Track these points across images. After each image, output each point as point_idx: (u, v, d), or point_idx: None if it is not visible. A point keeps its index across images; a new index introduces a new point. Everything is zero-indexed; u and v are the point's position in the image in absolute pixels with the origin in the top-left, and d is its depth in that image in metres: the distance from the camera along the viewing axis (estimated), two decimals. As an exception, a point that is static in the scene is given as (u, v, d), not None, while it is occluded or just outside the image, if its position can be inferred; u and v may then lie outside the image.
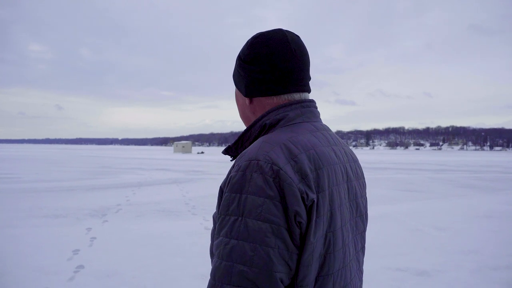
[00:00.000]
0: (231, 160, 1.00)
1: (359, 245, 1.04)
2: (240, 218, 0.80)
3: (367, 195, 1.13)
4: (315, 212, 0.83)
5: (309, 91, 1.04)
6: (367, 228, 1.13)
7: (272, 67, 0.96)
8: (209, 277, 0.83)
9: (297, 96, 1.00)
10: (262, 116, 0.97)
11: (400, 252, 5.53)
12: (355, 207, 1.01)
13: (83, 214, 8.16)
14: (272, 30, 1.02)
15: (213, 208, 9.82)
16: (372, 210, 8.94)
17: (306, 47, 1.03)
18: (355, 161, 1.08)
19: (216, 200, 0.90)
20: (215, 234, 0.87)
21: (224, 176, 0.91)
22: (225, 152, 1.02)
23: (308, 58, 1.03)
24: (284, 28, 1.05)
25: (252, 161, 0.83)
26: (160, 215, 8.23)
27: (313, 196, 0.83)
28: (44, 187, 13.28)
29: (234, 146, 1.01)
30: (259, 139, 0.92)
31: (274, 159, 0.82)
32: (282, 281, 0.80)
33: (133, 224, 7.24)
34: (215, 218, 0.90)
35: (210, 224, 7.21)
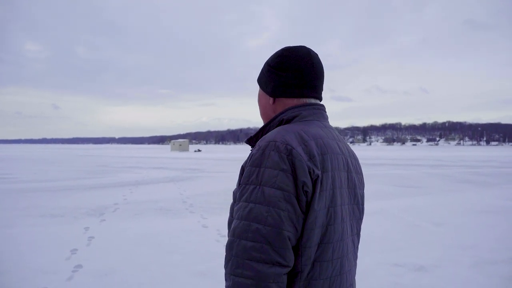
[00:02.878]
0: (251, 150, 1.15)
1: (355, 230, 1.20)
2: (258, 187, 0.99)
3: (365, 190, 1.31)
4: (319, 185, 1.01)
5: (321, 99, 1.26)
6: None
7: (297, 75, 1.18)
8: (229, 237, 1.01)
9: (312, 100, 1.21)
10: (281, 113, 1.18)
11: (398, 247, 5.55)
12: (353, 196, 1.18)
13: (80, 214, 8.14)
14: (298, 46, 1.24)
15: (210, 206, 9.86)
16: (370, 206, 8.97)
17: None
18: (355, 158, 1.26)
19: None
20: (236, 200, 1.07)
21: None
22: (248, 141, 1.22)
23: (323, 73, 1.25)
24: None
25: (271, 142, 1.02)
26: (158, 213, 8.23)
27: (318, 172, 1.01)
28: (41, 187, 13.24)
29: (255, 137, 1.20)
30: (276, 128, 1.10)
31: (288, 141, 1.01)
32: (290, 240, 0.97)
33: (131, 223, 7.23)
34: (236, 193, 1.09)
35: (207, 222, 7.22)
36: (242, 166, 1.08)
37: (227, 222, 1.15)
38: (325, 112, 1.24)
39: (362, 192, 1.25)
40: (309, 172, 0.99)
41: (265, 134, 1.15)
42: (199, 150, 77.77)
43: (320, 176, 1.01)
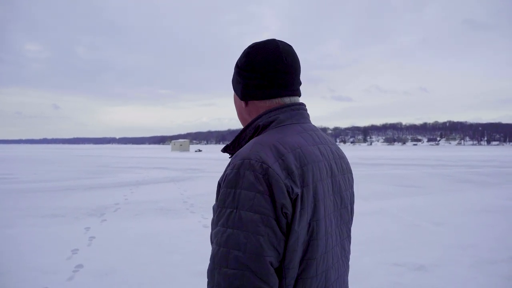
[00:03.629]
0: (229, 158, 1.09)
1: (344, 234, 1.14)
2: (235, 211, 0.92)
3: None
4: (299, 204, 0.94)
5: (299, 95, 1.17)
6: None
7: (265, 74, 1.09)
8: (209, 262, 0.95)
9: (287, 100, 1.12)
10: (256, 119, 1.09)
11: (398, 247, 5.55)
12: (340, 200, 1.12)
13: (81, 214, 8.16)
14: (266, 40, 1.14)
15: (211, 207, 9.91)
16: (370, 206, 8.99)
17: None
18: (341, 157, 1.18)
19: (215, 195, 1.02)
20: (213, 220, 0.99)
21: (222, 173, 1.01)
22: (224, 150, 1.15)
23: (299, 65, 1.15)
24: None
25: (245, 160, 0.94)
26: (158, 213, 8.24)
27: (297, 190, 0.94)
28: (42, 187, 13.26)
29: (232, 145, 1.13)
30: (251, 140, 1.03)
31: (263, 158, 0.93)
32: (272, 264, 0.92)
33: (132, 223, 7.25)
34: (215, 208, 1.01)
35: (208, 222, 7.22)
36: (218, 182, 1.01)
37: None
38: (305, 110, 1.16)
39: (349, 192, 1.18)
40: (288, 192, 0.92)
41: (242, 142, 1.10)
42: (199, 150, 77.83)
43: (299, 193, 0.94)
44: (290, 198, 0.92)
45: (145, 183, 14.50)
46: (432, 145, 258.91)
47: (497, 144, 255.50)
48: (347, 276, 1.17)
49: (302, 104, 1.16)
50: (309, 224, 0.97)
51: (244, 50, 1.15)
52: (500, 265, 4.74)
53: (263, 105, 1.12)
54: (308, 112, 1.19)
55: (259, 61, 1.09)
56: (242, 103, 1.16)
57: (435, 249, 5.45)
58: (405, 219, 7.48)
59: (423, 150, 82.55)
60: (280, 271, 0.95)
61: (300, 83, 1.17)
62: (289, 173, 0.94)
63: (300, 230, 0.95)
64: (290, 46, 1.15)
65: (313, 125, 1.16)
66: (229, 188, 0.94)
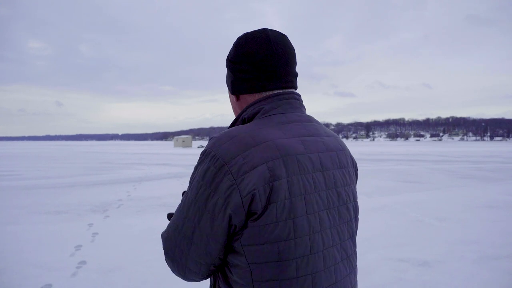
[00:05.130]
0: None
1: (345, 234, 1.04)
2: (188, 191, 0.97)
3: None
4: (262, 200, 0.88)
5: (293, 87, 1.08)
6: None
7: (254, 66, 1.02)
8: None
9: (278, 92, 1.04)
10: (242, 111, 1.04)
11: (401, 243, 5.54)
12: (336, 196, 1.01)
13: (84, 210, 8.17)
14: (256, 30, 1.07)
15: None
16: (373, 202, 8.97)
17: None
18: (339, 150, 1.07)
19: None
20: None
21: None
22: None
23: (293, 56, 1.07)
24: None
25: (208, 149, 0.94)
26: (161, 209, 8.24)
27: (257, 186, 0.87)
28: (45, 184, 13.29)
29: None
30: (228, 129, 0.99)
31: (223, 152, 0.91)
32: (200, 260, 0.95)
33: (135, 219, 7.25)
34: None
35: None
36: None
37: None
38: (296, 99, 1.07)
39: (349, 188, 1.06)
40: (239, 190, 0.87)
41: None
42: (202, 146, 77.80)
43: (263, 190, 0.87)
44: (242, 197, 0.87)
45: (148, 179, 14.51)
46: (435, 140, 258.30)
47: (500, 140, 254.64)
48: (352, 281, 1.06)
49: (293, 93, 1.07)
50: (284, 221, 0.89)
51: (234, 42, 1.09)
52: (504, 261, 4.72)
53: (251, 99, 1.06)
54: (302, 101, 1.10)
55: (248, 52, 1.03)
56: (234, 97, 1.11)
57: (439, 245, 5.43)
58: (409, 215, 7.46)
59: (426, 146, 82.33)
60: (242, 269, 0.92)
61: (294, 75, 1.09)
62: (251, 168, 0.88)
63: (265, 228, 0.88)
64: (283, 36, 1.07)
65: (305, 116, 1.07)
66: (194, 169, 0.98)
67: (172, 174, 16.84)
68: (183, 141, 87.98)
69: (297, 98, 1.08)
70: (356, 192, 1.12)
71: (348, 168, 1.09)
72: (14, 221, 7.12)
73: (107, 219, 7.26)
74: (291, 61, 1.06)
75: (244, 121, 1.03)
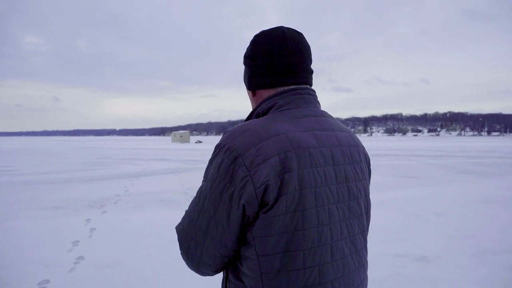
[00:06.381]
0: None
1: (355, 229, 1.05)
2: (204, 183, 0.99)
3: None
4: (274, 192, 0.90)
5: (308, 83, 1.10)
6: (372, 214, 1.13)
7: (269, 62, 1.05)
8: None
9: (292, 87, 1.07)
10: (257, 106, 1.08)
11: (400, 238, 5.55)
12: (346, 190, 1.03)
13: (82, 206, 8.15)
14: (273, 28, 1.10)
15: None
16: (371, 197, 8.92)
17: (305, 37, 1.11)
18: (352, 145, 1.09)
19: None
20: None
21: None
22: None
23: (308, 53, 1.10)
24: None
25: (223, 142, 0.96)
26: (159, 205, 8.23)
27: (271, 178, 0.89)
28: (42, 179, 13.26)
29: None
30: (241, 123, 1.02)
31: (238, 145, 0.93)
32: (216, 256, 0.98)
33: (132, 215, 7.24)
34: None
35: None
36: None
37: None
38: (311, 95, 1.09)
39: (361, 183, 1.08)
40: (253, 182, 0.89)
41: None
42: (200, 142, 77.87)
43: (278, 181, 0.90)
44: (256, 188, 0.90)
45: (145, 175, 14.49)
46: (433, 135, 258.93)
47: (498, 135, 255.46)
48: (361, 276, 1.07)
49: (307, 88, 1.09)
50: (292, 212, 0.91)
51: (251, 39, 1.13)
52: (502, 256, 4.73)
53: (268, 94, 1.09)
54: (317, 97, 1.12)
55: (264, 49, 1.06)
56: (250, 93, 1.14)
57: (437, 239, 5.44)
58: (407, 210, 7.47)
59: (424, 141, 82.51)
60: (252, 261, 0.94)
61: (309, 71, 1.11)
62: (264, 160, 0.90)
63: (275, 219, 0.91)
64: (299, 33, 1.10)
65: (319, 110, 1.09)
66: (208, 162, 1.00)
67: (170, 169, 16.82)
68: (181, 136, 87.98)
69: (311, 93, 1.10)
70: (368, 188, 1.14)
71: (360, 164, 1.11)
72: (12, 217, 7.09)
73: (104, 215, 7.24)
74: (306, 58, 1.09)
75: (258, 116, 1.06)
